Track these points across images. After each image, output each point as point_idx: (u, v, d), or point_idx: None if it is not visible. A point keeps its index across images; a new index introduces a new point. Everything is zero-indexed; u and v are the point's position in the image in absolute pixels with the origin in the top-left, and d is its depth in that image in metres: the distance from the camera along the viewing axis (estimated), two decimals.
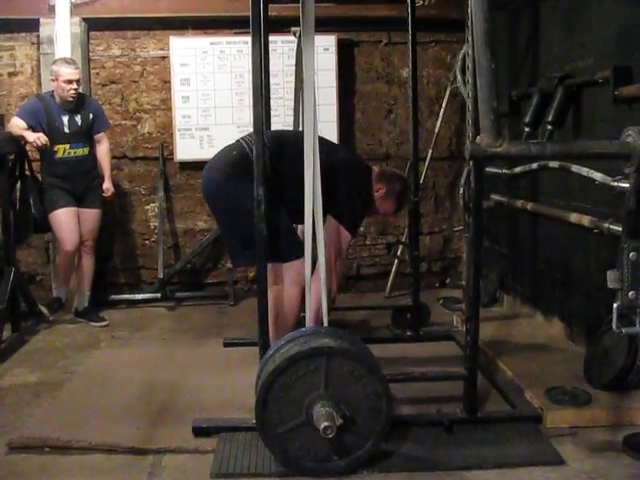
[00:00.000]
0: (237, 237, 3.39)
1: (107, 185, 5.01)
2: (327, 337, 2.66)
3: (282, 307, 3.32)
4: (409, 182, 3.98)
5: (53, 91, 4.74)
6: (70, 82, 4.62)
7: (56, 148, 4.70)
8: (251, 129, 3.02)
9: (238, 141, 3.47)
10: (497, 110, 2.32)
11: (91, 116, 4.86)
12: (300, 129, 3.98)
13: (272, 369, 2.57)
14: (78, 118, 4.79)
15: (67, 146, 4.74)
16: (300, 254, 2.95)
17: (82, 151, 4.81)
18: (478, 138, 2.36)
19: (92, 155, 4.91)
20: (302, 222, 2.91)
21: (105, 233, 5.35)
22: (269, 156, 3.15)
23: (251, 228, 2.94)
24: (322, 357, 2.55)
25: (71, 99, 4.69)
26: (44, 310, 4.90)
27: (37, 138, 4.55)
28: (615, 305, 2.45)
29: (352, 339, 2.75)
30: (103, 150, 5.02)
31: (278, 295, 3.30)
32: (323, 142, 3.08)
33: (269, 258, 3.07)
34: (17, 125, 4.60)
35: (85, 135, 4.84)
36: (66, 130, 4.74)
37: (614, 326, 2.49)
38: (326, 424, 2.45)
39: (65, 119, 4.73)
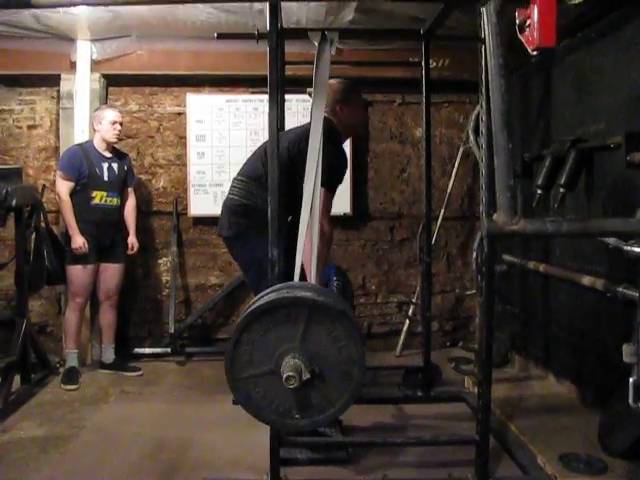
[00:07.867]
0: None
1: (132, 240, 5.10)
2: (313, 292, 2.56)
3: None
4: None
5: (89, 141, 4.93)
6: (114, 123, 4.82)
7: (94, 194, 4.81)
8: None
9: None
10: (513, 188, 2.32)
11: (126, 168, 5.02)
12: None
13: (252, 310, 2.48)
14: (115, 167, 4.92)
15: (105, 193, 4.85)
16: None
17: (116, 201, 4.93)
18: (494, 216, 2.35)
19: (121, 207, 5.03)
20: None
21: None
22: None
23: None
24: (303, 309, 2.45)
25: (115, 140, 4.88)
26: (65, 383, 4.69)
27: (79, 247, 4.69)
28: (631, 380, 2.42)
29: (338, 299, 2.67)
30: (131, 204, 5.13)
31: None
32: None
33: None
34: (65, 191, 4.73)
35: (120, 185, 4.97)
36: (105, 178, 4.86)
37: (631, 401, 2.46)
38: (290, 374, 2.37)
39: (105, 166, 4.86)
